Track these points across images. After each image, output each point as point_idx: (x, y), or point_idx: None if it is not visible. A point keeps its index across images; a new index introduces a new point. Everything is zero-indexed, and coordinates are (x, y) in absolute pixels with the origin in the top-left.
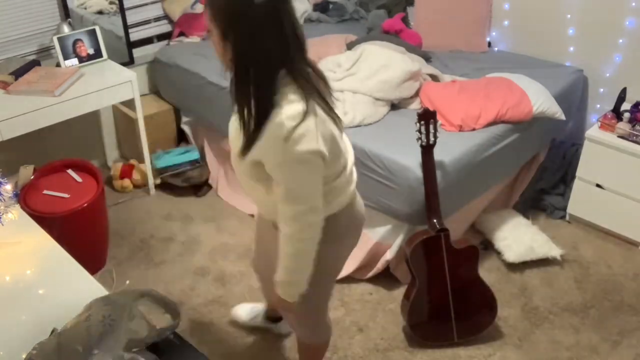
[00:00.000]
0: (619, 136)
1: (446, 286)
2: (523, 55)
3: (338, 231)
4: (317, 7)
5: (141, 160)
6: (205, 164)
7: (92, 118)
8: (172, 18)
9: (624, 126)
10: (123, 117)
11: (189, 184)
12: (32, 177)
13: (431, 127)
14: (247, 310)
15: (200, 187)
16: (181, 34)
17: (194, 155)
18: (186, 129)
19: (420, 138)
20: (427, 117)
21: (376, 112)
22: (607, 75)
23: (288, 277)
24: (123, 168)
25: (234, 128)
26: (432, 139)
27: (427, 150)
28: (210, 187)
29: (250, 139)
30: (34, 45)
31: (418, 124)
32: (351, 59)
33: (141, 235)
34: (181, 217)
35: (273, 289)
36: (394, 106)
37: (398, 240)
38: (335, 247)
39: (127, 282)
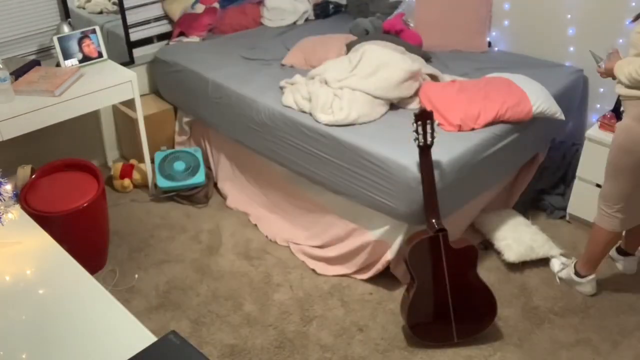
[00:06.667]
0: None
1: (445, 286)
2: (523, 55)
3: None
4: (317, 7)
5: (141, 160)
6: (209, 185)
7: (92, 118)
8: (172, 18)
9: None
10: (123, 117)
11: (191, 202)
12: (33, 177)
13: (428, 127)
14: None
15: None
16: (181, 34)
17: (199, 178)
18: (186, 129)
19: (417, 138)
20: (423, 117)
21: (373, 111)
22: None
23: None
24: (123, 168)
25: None
26: (429, 139)
27: (424, 150)
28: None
29: None
30: (34, 45)
31: (415, 125)
32: (352, 61)
33: (141, 235)
34: (181, 217)
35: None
36: (393, 106)
37: (398, 240)
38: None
39: (136, 276)
